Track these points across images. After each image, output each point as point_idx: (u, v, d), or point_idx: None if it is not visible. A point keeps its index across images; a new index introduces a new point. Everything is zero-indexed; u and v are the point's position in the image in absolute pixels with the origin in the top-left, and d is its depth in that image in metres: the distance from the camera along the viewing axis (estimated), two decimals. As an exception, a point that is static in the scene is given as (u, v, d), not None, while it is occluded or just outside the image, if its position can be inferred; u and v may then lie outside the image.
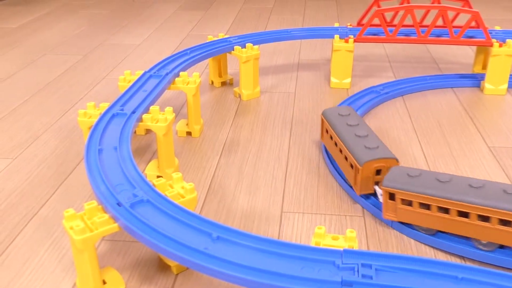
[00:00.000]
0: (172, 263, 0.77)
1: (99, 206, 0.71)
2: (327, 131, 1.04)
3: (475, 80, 1.45)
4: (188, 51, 1.32)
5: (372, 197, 0.92)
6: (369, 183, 0.90)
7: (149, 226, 0.67)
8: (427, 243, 0.83)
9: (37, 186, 1.00)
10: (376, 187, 0.89)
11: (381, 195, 0.85)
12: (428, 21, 1.53)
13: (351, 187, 0.95)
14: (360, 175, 0.89)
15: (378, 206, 0.90)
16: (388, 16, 1.97)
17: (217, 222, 0.67)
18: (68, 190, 0.99)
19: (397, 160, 0.89)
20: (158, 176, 1.00)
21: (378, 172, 0.89)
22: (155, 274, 0.77)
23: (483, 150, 1.12)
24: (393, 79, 1.50)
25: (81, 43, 1.89)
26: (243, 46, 1.37)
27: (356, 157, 0.90)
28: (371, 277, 0.58)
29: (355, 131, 0.96)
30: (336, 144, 0.99)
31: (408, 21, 1.77)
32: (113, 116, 0.96)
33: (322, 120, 1.05)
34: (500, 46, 1.35)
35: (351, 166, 0.92)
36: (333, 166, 1.02)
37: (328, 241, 0.65)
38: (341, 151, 0.97)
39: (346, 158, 0.94)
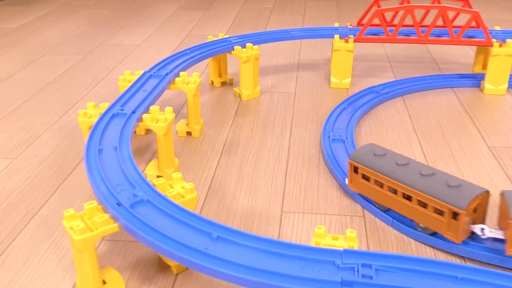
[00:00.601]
0: (172, 263, 0.77)
1: (99, 206, 0.71)
2: (365, 177, 0.89)
3: (475, 80, 1.45)
4: (188, 51, 1.32)
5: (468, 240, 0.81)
6: (468, 226, 0.78)
7: (149, 226, 0.67)
8: (427, 243, 0.83)
9: (37, 186, 1.00)
10: (476, 226, 0.78)
11: (482, 229, 0.77)
12: (428, 21, 1.53)
13: (431, 235, 0.82)
14: (462, 221, 0.76)
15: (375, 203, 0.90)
16: (388, 16, 1.97)
17: (217, 222, 0.67)
18: (68, 190, 0.99)
19: (488, 192, 0.79)
20: (158, 176, 1.00)
21: (474, 211, 0.78)
22: (155, 274, 0.77)
23: (483, 150, 1.12)
24: (393, 79, 1.50)
25: (81, 43, 1.89)
26: (243, 46, 1.37)
27: (449, 201, 0.77)
28: (371, 277, 0.58)
29: (419, 170, 0.83)
30: (393, 190, 0.85)
31: (408, 21, 1.78)
32: (113, 116, 0.96)
33: (354, 166, 0.90)
34: (500, 46, 1.35)
35: (438, 212, 0.79)
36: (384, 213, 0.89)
37: (328, 241, 0.65)
38: (405, 196, 0.83)
39: (422, 205, 0.81)
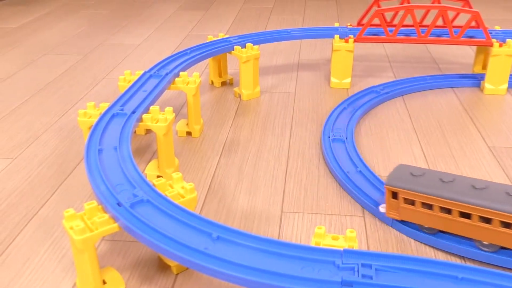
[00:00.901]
0: (172, 263, 0.77)
1: (99, 206, 0.71)
2: (408, 201, 0.82)
3: (475, 80, 1.45)
4: (188, 51, 1.32)
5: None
6: None
7: (149, 226, 0.67)
8: (427, 243, 0.83)
9: (37, 186, 1.00)
10: None
11: None
12: (428, 21, 1.53)
13: (496, 252, 0.77)
14: None
15: (377, 205, 0.90)
16: (388, 16, 1.97)
17: (217, 222, 0.67)
18: (68, 190, 0.99)
19: None
20: (158, 176, 1.00)
21: None
22: (155, 274, 0.77)
23: (483, 150, 1.12)
24: (393, 79, 1.50)
25: (81, 43, 1.89)
26: (243, 46, 1.37)
27: None
28: (371, 277, 0.58)
29: (470, 184, 0.78)
30: (446, 210, 0.79)
31: (408, 21, 1.77)
32: (113, 116, 0.96)
33: (392, 191, 0.83)
34: (500, 46, 1.35)
35: (506, 225, 0.74)
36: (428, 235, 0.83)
37: (328, 241, 0.65)
38: (463, 214, 0.77)
39: (485, 220, 0.76)
